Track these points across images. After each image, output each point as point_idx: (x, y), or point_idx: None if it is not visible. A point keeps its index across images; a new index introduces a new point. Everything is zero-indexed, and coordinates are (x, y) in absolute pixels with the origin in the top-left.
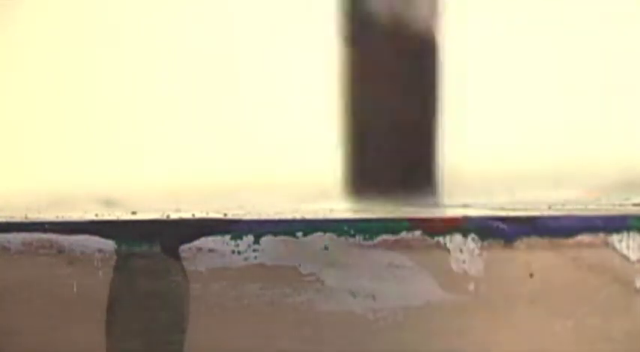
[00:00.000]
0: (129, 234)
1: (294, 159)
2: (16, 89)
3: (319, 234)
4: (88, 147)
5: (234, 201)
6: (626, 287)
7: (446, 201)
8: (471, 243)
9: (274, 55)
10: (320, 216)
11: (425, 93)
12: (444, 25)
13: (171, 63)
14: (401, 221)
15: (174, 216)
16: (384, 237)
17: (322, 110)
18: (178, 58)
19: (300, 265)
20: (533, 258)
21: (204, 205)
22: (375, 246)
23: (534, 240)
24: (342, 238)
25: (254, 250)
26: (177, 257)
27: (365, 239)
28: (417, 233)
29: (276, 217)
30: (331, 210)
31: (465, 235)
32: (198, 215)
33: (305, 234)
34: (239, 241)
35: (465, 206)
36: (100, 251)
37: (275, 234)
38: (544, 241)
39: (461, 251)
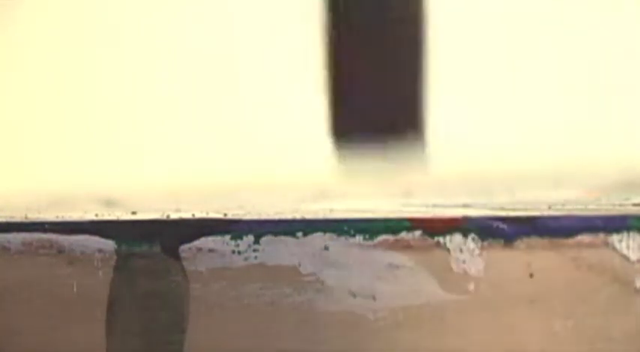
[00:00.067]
0: (129, 234)
1: (294, 159)
2: (16, 89)
3: (319, 234)
4: (88, 147)
5: (234, 201)
6: (626, 287)
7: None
8: (471, 242)
9: (274, 55)
10: (320, 216)
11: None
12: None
13: (171, 63)
14: (401, 221)
15: (174, 216)
16: (384, 237)
17: (322, 110)
18: (178, 58)
19: (300, 265)
20: (533, 258)
21: (204, 205)
22: (375, 246)
23: (534, 240)
24: (342, 238)
25: (254, 250)
26: (177, 257)
27: (365, 239)
28: (417, 233)
29: (276, 217)
30: (331, 210)
31: (465, 235)
32: (198, 215)
33: (305, 234)
34: (239, 241)
35: (465, 206)
36: (100, 251)
37: (275, 234)
38: (544, 241)
39: (461, 251)
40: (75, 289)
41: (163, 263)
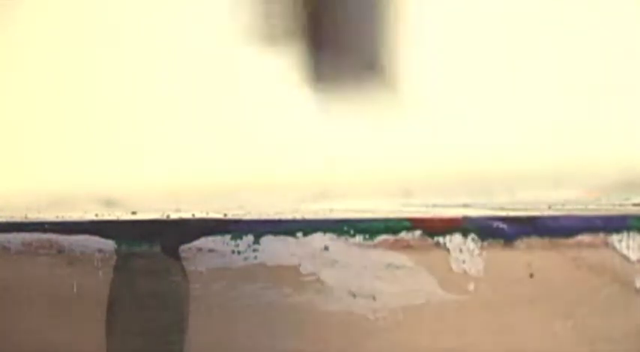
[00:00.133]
0: (129, 234)
1: (294, 159)
2: (16, 89)
3: (319, 234)
4: (88, 147)
5: (234, 201)
6: (626, 287)
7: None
8: (471, 243)
9: (274, 55)
10: (320, 216)
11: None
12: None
13: (171, 63)
14: (401, 221)
15: (174, 216)
16: (384, 237)
17: (322, 110)
18: (178, 58)
19: (300, 265)
20: (533, 257)
21: (204, 205)
22: (375, 246)
23: (534, 240)
24: (342, 238)
25: (254, 250)
26: (177, 257)
27: (365, 239)
28: (417, 233)
29: (276, 217)
30: (331, 210)
31: (464, 235)
32: (198, 215)
33: (305, 234)
34: (239, 241)
35: (465, 206)
36: (100, 251)
37: (275, 234)
38: (544, 241)
39: (461, 251)
40: (75, 289)
41: (163, 263)
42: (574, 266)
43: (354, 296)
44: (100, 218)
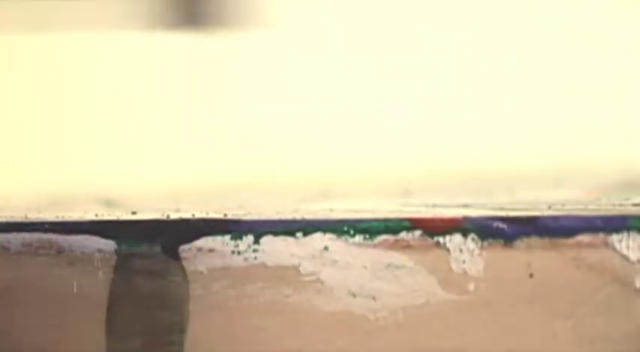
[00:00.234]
0: (129, 234)
1: (294, 159)
2: (16, 89)
3: (319, 234)
4: (88, 147)
5: (234, 201)
6: (626, 287)
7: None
8: (471, 243)
9: (273, 55)
10: (320, 216)
11: None
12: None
13: (171, 63)
14: (401, 221)
15: (174, 216)
16: (384, 237)
17: (322, 110)
18: (178, 58)
19: (300, 265)
20: (533, 257)
21: (204, 205)
22: (375, 246)
23: (534, 240)
24: (342, 238)
25: (254, 250)
26: (177, 257)
27: (365, 239)
28: (417, 233)
29: (276, 217)
30: (331, 210)
31: (464, 235)
32: (198, 215)
33: (305, 234)
34: (239, 241)
35: (465, 206)
36: (100, 251)
37: (275, 234)
38: (544, 241)
39: (461, 251)
40: (75, 289)
41: (163, 263)
42: (574, 266)
43: (354, 296)
44: (100, 218)
